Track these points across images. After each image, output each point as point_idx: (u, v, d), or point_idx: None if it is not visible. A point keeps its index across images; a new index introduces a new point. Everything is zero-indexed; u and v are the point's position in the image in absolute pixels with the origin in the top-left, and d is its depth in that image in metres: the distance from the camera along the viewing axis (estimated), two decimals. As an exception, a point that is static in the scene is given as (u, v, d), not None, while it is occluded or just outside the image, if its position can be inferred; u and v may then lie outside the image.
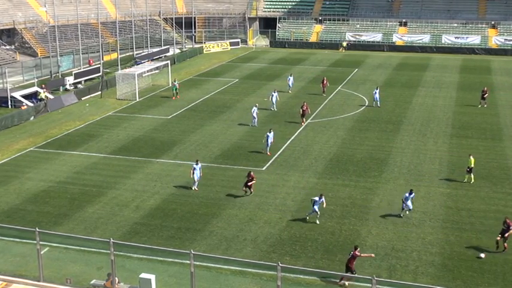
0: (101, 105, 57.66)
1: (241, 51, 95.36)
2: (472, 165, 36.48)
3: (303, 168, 39.07)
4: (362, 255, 25.29)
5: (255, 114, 49.05)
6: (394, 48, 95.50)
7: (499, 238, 27.91)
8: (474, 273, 26.10)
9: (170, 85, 62.61)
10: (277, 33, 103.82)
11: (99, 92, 61.91)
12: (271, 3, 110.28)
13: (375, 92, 56.05)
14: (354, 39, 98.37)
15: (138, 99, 59.11)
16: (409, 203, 31.37)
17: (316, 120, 51.15)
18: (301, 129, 48.28)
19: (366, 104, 56.67)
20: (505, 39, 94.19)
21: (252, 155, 41.77)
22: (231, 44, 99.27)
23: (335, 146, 43.62)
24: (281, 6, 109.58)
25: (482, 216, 31.85)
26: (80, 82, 65.46)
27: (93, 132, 48.01)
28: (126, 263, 24.90)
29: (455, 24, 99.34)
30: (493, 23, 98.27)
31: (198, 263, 22.36)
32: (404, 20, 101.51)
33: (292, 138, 45.82)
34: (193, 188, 35.37)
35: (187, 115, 53.26)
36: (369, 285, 18.82)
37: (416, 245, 28.56)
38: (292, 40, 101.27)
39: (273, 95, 54.90)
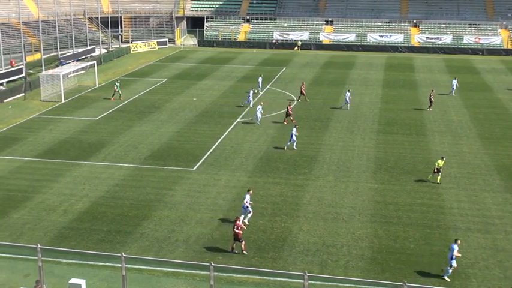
0: (25, 107, 55.93)
1: (169, 50, 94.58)
2: (440, 167, 36.39)
3: (234, 167, 39.11)
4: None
5: (259, 114, 49.23)
6: (321, 46, 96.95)
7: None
8: (402, 265, 26.81)
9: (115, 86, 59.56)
10: (205, 32, 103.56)
11: (23, 94, 60.03)
12: (199, 2, 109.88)
13: (347, 95, 55.34)
14: (281, 38, 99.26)
15: (63, 101, 57.67)
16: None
17: (245, 119, 51.32)
18: (231, 128, 48.32)
19: (295, 103, 57.17)
20: (426, 38, 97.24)
21: (182, 155, 41.48)
22: (159, 43, 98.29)
23: (265, 144, 43.89)
24: (208, 6, 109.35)
25: (408, 209, 32.76)
26: (1, 84, 63.30)
27: (17, 135, 46.51)
28: (55, 268, 24.25)
29: (379, 23, 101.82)
30: (415, 21, 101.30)
31: (129, 265, 22.01)
32: (330, 19, 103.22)
33: (222, 137, 45.80)
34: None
35: (115, 116, 52.37)
36: (301, 280, 19.02)
37: (346, 239, 29.08)
38: (220, 39, 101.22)
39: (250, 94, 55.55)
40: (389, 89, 64.53)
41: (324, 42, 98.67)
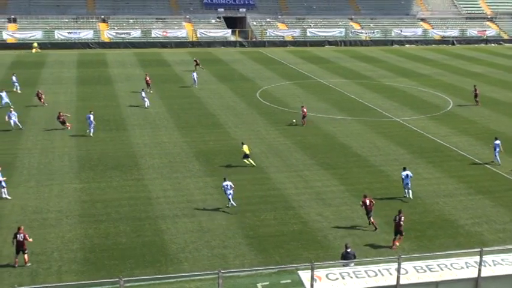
0: None
1: None
2: (247, 152, 38.78)
3: None
4: None
5: None
6: (5, 46, 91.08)
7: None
8: (116, 261, 26.81)
9: None
10: None
11: None
12: None
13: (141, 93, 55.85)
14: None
15: None
16: (409, 181, 33.54)
17: None
18: None
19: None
20: (116, 33, 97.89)
21: None
22: None
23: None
24: None
25: (117, 205, 32.81)
26: None
27: None
28: None
29: (67, 20, 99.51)
30: (103, 17, 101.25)
31: None
32: (13, 17, 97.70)
33: None
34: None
35: None
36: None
37: (56, 244, 28.06)
38: None
39: None
40: (85, 86, 63.64)
41: (8, 41, 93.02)
